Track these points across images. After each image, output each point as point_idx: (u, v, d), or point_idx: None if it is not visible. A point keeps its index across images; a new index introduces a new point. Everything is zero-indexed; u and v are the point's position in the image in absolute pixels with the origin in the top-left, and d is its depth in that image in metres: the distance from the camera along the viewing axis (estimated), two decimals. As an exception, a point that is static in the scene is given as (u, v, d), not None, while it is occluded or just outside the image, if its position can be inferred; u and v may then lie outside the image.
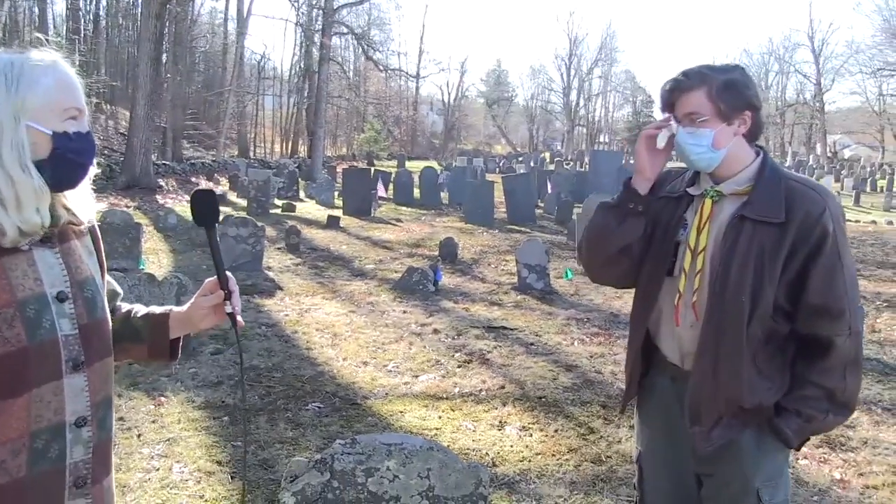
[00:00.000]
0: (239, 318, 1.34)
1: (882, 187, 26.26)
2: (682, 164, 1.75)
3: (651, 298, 1.76)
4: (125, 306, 1.42)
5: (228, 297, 1.33)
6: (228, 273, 1.35)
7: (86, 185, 1.26)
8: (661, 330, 1.77)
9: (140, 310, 1.43)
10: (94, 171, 1.25)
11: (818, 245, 1.56)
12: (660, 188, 1.79)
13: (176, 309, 1.42)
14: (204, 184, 19.31)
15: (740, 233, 1.60)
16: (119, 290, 1.41)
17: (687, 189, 1.75)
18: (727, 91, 1.62)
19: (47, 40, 1.23)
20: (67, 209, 1.23)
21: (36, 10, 22.71)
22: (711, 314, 1.62)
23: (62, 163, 1.16)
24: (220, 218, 1.37)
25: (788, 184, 1.62)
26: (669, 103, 1.68)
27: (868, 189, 26.18)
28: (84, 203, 1.27)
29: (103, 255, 1.36)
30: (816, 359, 1.62)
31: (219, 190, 17.90)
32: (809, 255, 1.57)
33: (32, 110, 1.13)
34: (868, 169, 35.58)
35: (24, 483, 1.12)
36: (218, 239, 1.38)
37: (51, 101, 1.15)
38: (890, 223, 15.46)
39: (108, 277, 1.37)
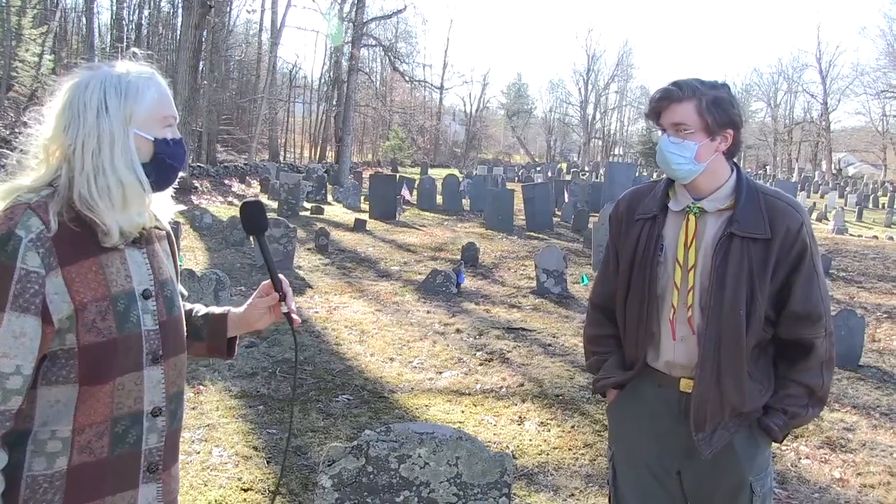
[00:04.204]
0: (295, 316, 1.41)
1: (884, 204, 26.53)
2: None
3: (643, 319, 1.77)
4: (186, 305, 1.47)
5: (283, 298, 1.39)
6: (281, 276, 1.40)
7: (170, 190, 1.34)
8: (649, 343, 1.81)
9: (200, 309, 1.50)
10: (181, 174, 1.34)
11: (799, 258, 1.67)
12: (634, 211, 1.84)
13: (233, 310, 1.48)
14: (237, 186, 19.61)
15: (731, 249, 1.66)
16: (184, 291, 1.47)
17: (667, 204, 1.78)
18: (715, 107, 1.66)
19: (138, 53, 1.32)
20: (153, 214, 1.31)
21: (84, 19, 23.49)
22: (708, 328, 1.66)
23: (161, 166, 1.26)
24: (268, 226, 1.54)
25: (767, 199, 1.70)
26: (657, 112, 1.72)
27: (870, 205, 26.41)
28: (165, 207, 1.36)
29: (178, 258, 1.44)
30: (798, 360, 1.73)
31: (251, 192, 18.30)
32: (792, 267, 1.67)
33: (139, 119, 1.22)
34: (871, 186, 35.52)
35: (106, 463, 1.20)
36: (269, 245, 1.45)
37: (153, 111, 1.24)
38: (891, 238, 15.54)
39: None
